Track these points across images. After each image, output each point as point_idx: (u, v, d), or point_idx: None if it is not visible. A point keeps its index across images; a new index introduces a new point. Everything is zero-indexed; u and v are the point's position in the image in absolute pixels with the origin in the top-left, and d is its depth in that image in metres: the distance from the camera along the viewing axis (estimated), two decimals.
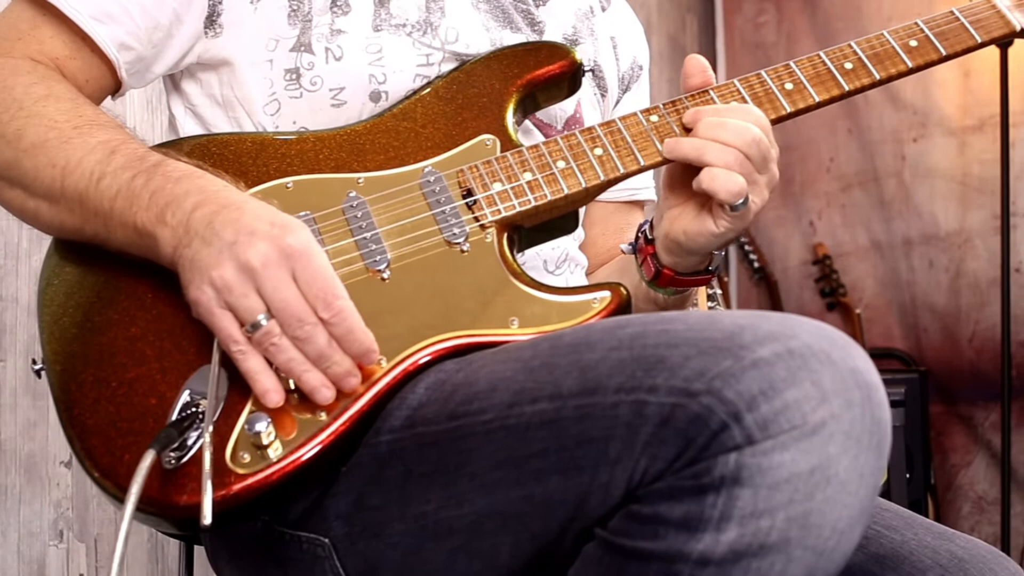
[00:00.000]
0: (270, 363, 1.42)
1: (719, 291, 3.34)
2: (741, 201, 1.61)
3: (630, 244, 1.82)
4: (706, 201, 1.66)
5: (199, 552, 1.90)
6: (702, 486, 1.22)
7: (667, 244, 1.72)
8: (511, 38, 1.84)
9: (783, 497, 1.21)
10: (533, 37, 1.88)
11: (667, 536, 1.25)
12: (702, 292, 2.99)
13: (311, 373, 1.42)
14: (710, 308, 3.16)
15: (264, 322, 1.39)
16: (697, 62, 1.73)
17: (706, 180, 1.61)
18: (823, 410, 1.22)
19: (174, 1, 1.70)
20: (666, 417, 1.25)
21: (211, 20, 1.72)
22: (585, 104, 1.95)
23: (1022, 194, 5.22)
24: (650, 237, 1.76)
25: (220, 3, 1.72)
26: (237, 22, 1.73)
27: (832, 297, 5.62)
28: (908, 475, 4.44)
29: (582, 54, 1.80)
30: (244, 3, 1.72)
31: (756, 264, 5.74)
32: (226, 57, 1.74)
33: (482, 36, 1.81)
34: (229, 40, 1.73)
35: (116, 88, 1.74)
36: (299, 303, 1.40)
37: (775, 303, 5.72)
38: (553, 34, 1.91)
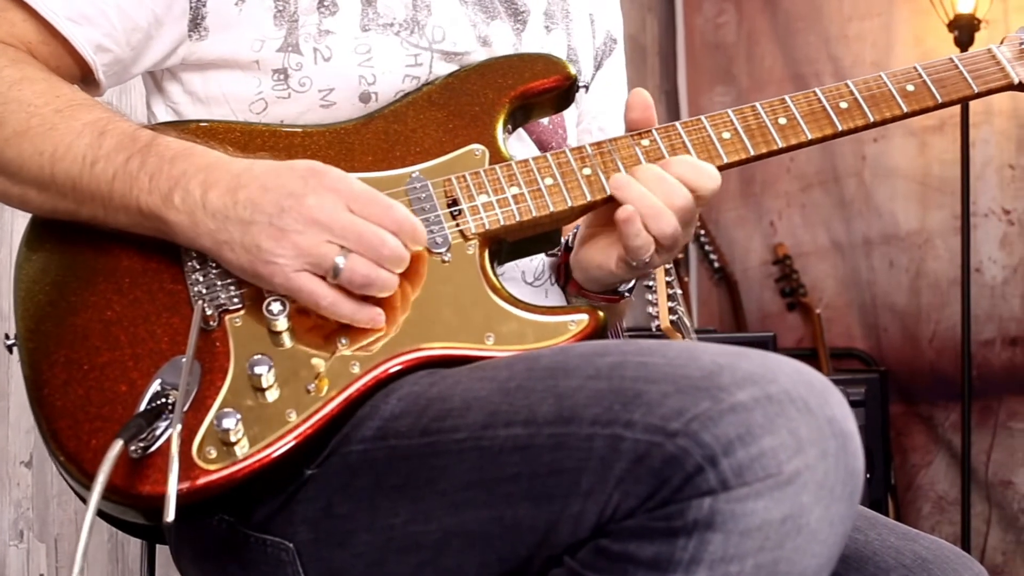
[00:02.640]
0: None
1: (679, 291, 3.33)
2: (647, 259, 1.61)
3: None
4: (617, 239, 1.64)
5: (160, 552, 1.89)
6: (674, 529, 1.24)
7: (575, 260, 1.73)
8: (499, 29, 1.82)
9: (754, 544, 1.22)
10: (518, 26, 1.86)
11: (636, 575, 1.26)
12: (662, 288, 2.97)
13: (395, 279, 1.48)
14: (670, 308, 3.14)
15: (343, 262, 1.43)
16: (640, 97, 1.69)
17: (627, 233, 1.59)
18: (798, 460, 1.23)
19: (152, 3, 1.67)
20: (641, 455, 1.26)
21: (195, 23, 1.69)
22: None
23: (982, 194, 5.24)
24: (570, 245, 1.76)
25: (204, 5, 1.68)
26: (222, 24, 1.70)
27: (792, 297, 5.62)
28: (868, 475, 4.43)
29: (575, 68, 1.78)
30: (228, 4, 1.69)
31: (716, 264, 5.74)
32: (212, 59, 1.72)
33: (468, 33, 1.79)
34: (215, 43, 1.70)
35: (87, 80, 1.71)
36: (372, 227, 1.45)
37: (735, 303, 5.72)
38: (536, 20, 1.88)
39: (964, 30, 5.06)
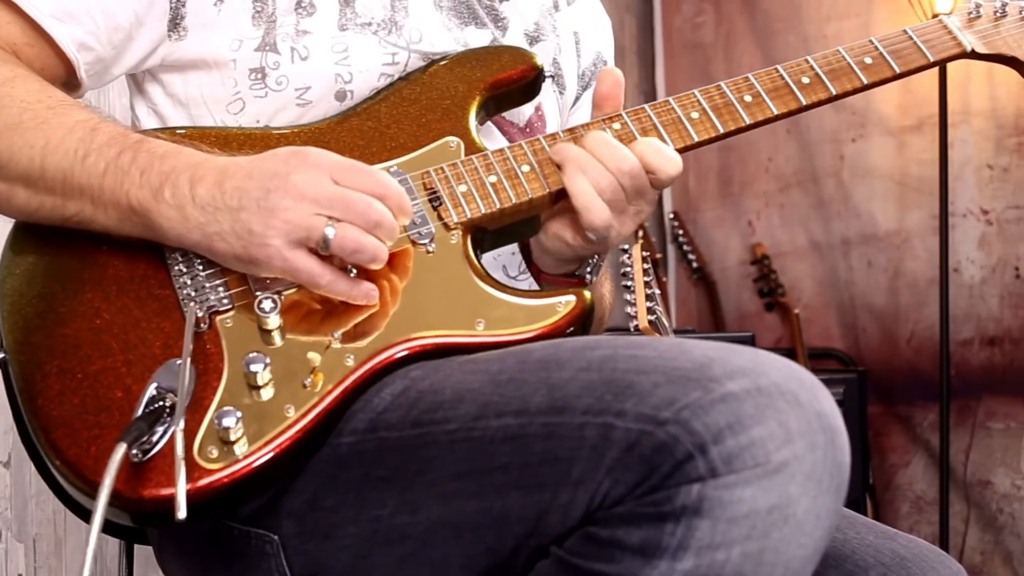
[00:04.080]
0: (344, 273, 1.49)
1: (658, 291, 3.33)
2: (606, 230, 1.63)
3: None
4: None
5: (139, 551, 1.91)
6: (662, 514, 1.25)
7: (534, 241, 1.75)
8: (474, 35, 1.85)
9: (741, 532, 1.24)
10: (497, 33, 1.88)
11: (623, 560, 1.27)
12: (640, 288, 2.96)
13: (385, 248, 1.50)
14: (649, 308, 3.14)
15: (331, 232, 1.45)
16: (612, 74, 1.74)
17: (579, 198, 1.61)
18: (787, 450, 1.24)
19: (135, 3, 1.69)
20: (632, 443, 1.27)
21: (175, 23, 1.71)
22: (547, 104, 1.95)
23: (960, 194, 5.24)
24: None
25: (183, 5, 1.70)
26: (201, 24, 1.71)
27: (771, 297, 5.62)
28: None
29: (543, 59, 1.81)
30: (207, 4, 1.71)
31: (695, 264, 5.73)
32: (191, 59, 1.73)
33: (445, 36, 1.81)
34: (194, 42, 1.72)
35: (70, 83, 1.72)
36: (358, 195, 1.48)
37: (714, 303, 5.73)
38: (516, 30, 1.92)
39: None
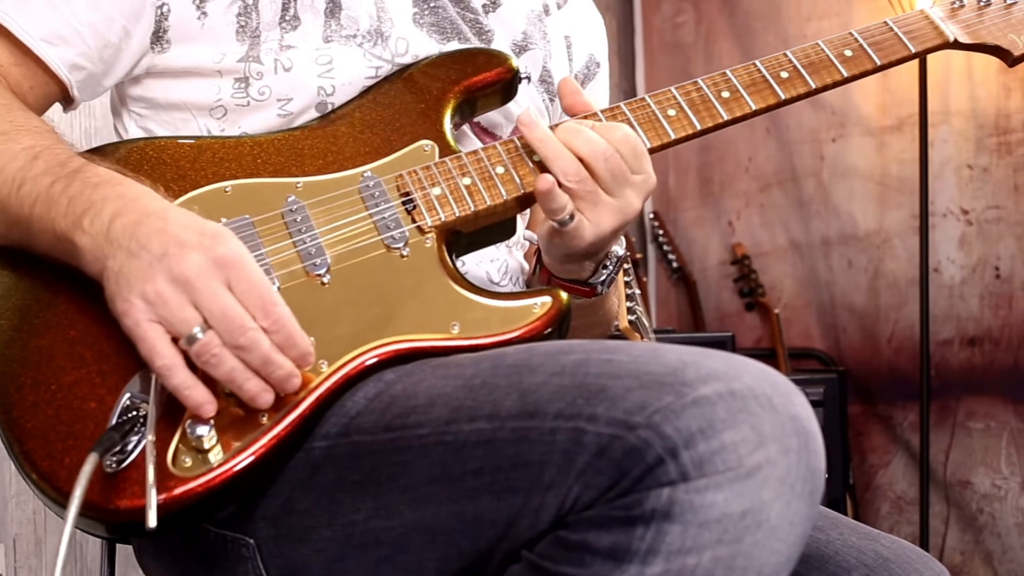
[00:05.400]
0: (198, 375, 1.40)
1: (638, 291, 3.33)
2: (567, 217, 1.60)
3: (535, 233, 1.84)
4: None
5: (120, 550, 1.91)
6: (632, 518, 1.24)
7: (540, 238, 1.73)
8: (457, 47, 1.83)
9: (712, 537, 1.22)
10: (481, 46, 1.86)
11: (593, 564, 1.26)
12: (620, 289, 2.96)
13: (253, 380, 1.40)
14: (629, 308, 3.14)
15: (200, 335, 1.37)
16: (569, 84, 1.72)
17: (538, 183, 1.59)
18: (760, 454, 1.23)
19: (123, 19, 1.68)
20: (603, 447, 1.26)
21: (157, 36, 1.70)
22: (532, 113, 1.90)
23: (940, 194, 5.25)
24: None
25: (166, 19, 1.69)
26: (183, 38, 1.70)
27: (751, 297, 5.63)
28: (827, 475, 4.43)
29: (519, 62, 1.80)
30: (191, 20, 1.70)
31: (675, 264, 5.74)
32: (174, 70, 1.72)
33: (432, 48, 1.80)
34: (176, 55, 1.71)
35: (62, 97, 1.73)
36: (239, 311, 1.38)
37: (694, 303, 5.72)
38: (502, 41, 1.90)
39: None
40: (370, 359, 1.50)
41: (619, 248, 1.73)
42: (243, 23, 1.70)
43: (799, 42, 5.44)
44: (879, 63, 1.79)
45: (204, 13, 1.69)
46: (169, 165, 1.63)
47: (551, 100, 1.96)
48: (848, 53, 1.79)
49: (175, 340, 1.38)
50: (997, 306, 5.19)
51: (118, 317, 1.40)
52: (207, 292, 1.37)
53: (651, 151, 1.67)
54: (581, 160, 1.59)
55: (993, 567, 5.14)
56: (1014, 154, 5.15)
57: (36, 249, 1.52)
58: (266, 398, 1.41)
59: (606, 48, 2.13)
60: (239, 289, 1.38)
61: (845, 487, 4.93)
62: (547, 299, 1.56)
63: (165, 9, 1.68)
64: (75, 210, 1.45)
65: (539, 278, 1.76)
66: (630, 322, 3.10)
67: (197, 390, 1.39)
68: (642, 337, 3.08)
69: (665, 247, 5.75)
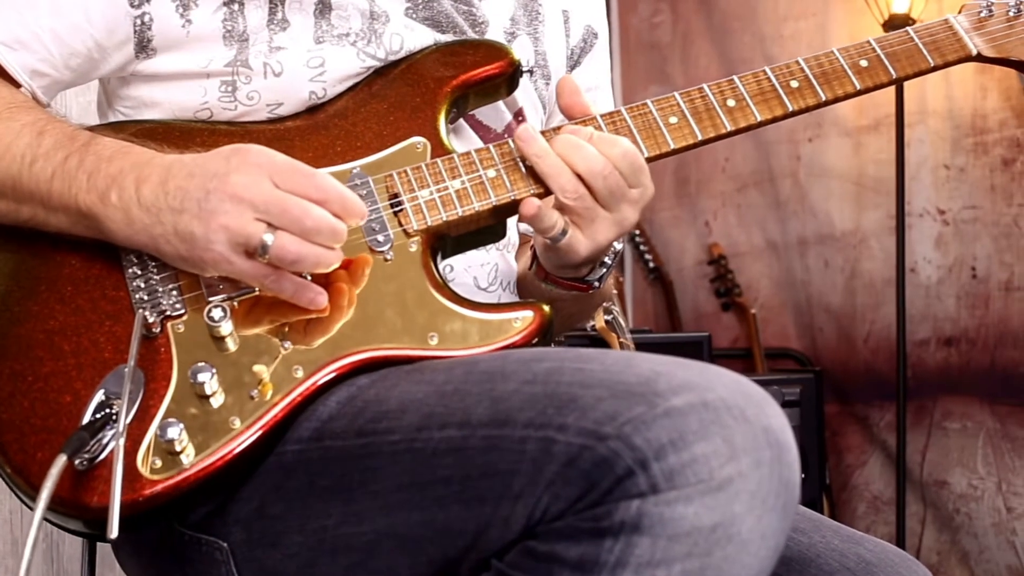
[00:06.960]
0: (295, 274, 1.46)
1: (614, 291, 3.31)
2: (559, 234, 1.59)
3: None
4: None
5: (99, 549, 1.93)
6: (601, 529, 1.23)
7: (536, 246, 1.71)
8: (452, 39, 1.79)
9: (682, 550, 1.22)
10: (475, 36, 1.82)
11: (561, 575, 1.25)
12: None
13: (332, 253, 1.46)
14: (605, 308, 3.12)
15: (270, 240, 1.41)
16: (569, 83, 1.69)
17: (523, 208, 1.58)
18: (731, 467, 1.22)
19: (94, 30, 1.65)
20: (573, 457, 1.25)
21: (142, 45, 1.67)
22: (528, 107, 1.89)
23: (917, 194, 5.26)
24: None
25: (149, 28, 1.66)
26: (169, 46, 1.68)
27: (727, 297, 5.63)
28: (803, 475, 4.43)
29: (520, 54, 1.75)
30: (175, 28, 1.66)
31: (651, 264, 5.73)
32: (160, 73, 1.70)
33: (428, 42, 1.75)
34: (164, 61, 1.69)
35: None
36: (295, 200, 1.43)
37: (670, 303, 5.72)
38: (496, 30, 1.85)
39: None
40: (344, 368, 1.49)
41: (617, 243, 1.69)
42: (230, 28, 1.67)
43: (775, 43, 5.50)
44: (895, 75, 1.72)
45: (189, 21, 1.65)
46: (155, 147, 1.58)
47: (546, 84, 1.92)
48: (863, 63, 1.71)
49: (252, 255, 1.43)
50: (974, 306, 5.19)
51: (209, 268, 1.45)
52: (260, 199, 1.42)
53: (648, 160, 1.63)
54: (579, 176, 1.56)
55: (970, 567, 5.15)
56: (990, 154, 5.16)
57: (49, 224, 1.53)
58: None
59: (604, 16, 2.05)
60: (281, 180, 1.43)
61: (822, 487, 4.92)
62: (528, 313, 1.54)
63: (147, 19, 1.65)
64: (97, 185, 1.47)
65: (535, 274, 1.73)
66: (606, 322, 3.09)
67: (306, 287, 1.47)
68: (618, 337, 3.06)
69: (642, 247, 5.74)
